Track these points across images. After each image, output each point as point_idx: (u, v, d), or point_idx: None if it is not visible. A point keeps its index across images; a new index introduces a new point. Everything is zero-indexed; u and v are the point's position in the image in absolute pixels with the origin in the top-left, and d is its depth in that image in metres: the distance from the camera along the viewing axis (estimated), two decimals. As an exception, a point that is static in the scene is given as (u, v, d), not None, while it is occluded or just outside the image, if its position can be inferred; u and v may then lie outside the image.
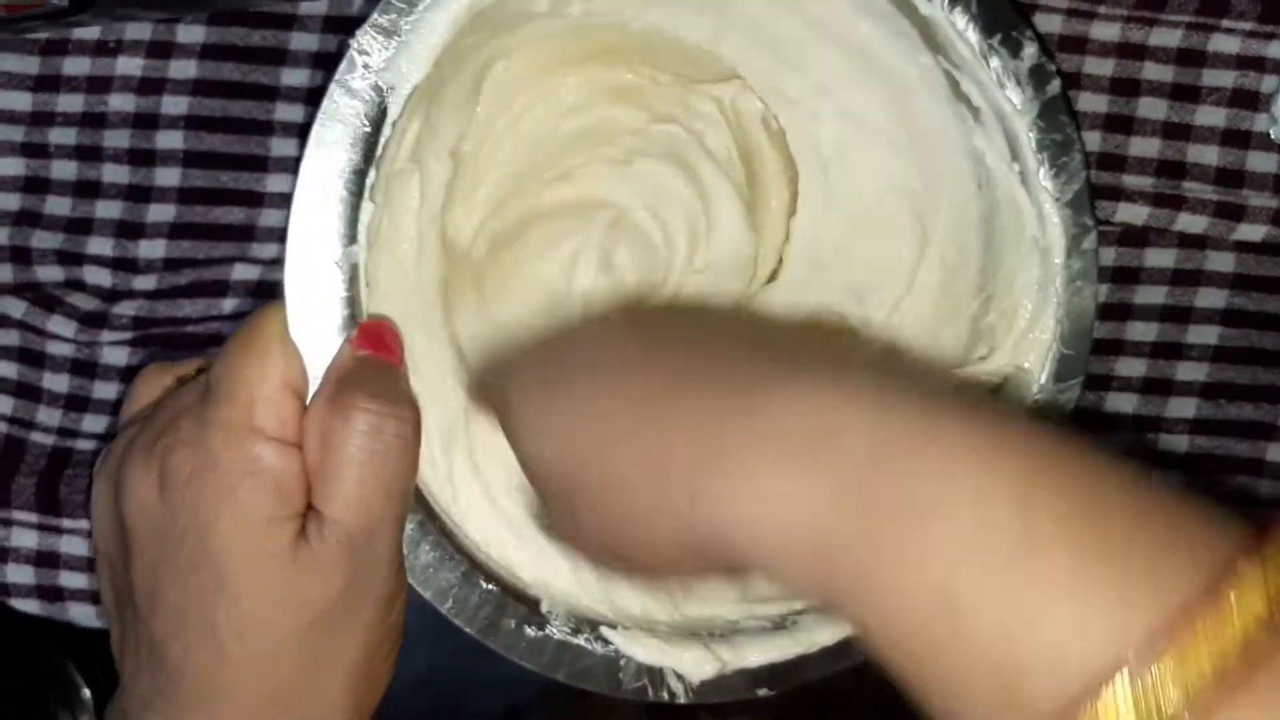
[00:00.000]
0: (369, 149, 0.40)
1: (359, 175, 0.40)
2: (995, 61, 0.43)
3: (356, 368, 0.39)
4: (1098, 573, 0.28)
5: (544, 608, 0.43)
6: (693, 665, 0.43)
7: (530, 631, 0.43)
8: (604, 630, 0.43)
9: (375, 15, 0.39)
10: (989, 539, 0.29)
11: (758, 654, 0.43)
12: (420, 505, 0.41)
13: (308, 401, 0.39)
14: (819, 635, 0.44)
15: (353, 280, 0.40)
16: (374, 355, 0.40)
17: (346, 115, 0.39)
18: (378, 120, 0.40)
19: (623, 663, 0.43)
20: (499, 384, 0.39)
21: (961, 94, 0.44)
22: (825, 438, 0.31)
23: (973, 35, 0.43)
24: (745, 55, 0.46)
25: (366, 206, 0.40)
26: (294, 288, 0.39)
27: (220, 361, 0.39)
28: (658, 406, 0.33)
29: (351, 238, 0.40)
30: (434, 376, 0.43)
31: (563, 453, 0.35)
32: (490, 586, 0.42)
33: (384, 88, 0.40)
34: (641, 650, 0.43)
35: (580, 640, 0.43)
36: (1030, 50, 0.43)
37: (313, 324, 0.39)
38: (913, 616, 0.29)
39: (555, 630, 0.43)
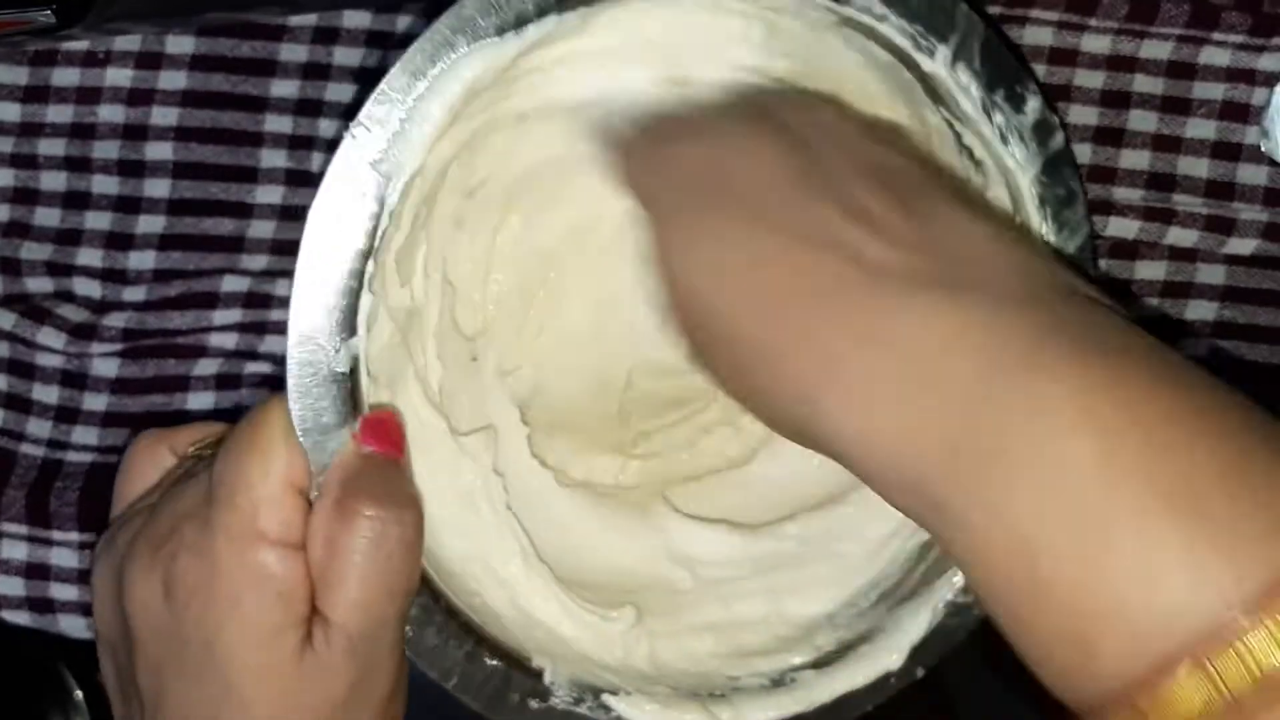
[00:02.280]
0: (368, 240, 0.39)
1: (358, 266, 0.39)
2: (998, 117, 0.42)
3: (360, 467, 0.39)
4: (1185, 542, 0.28)
5: (547, 679, 0.43)
6: None
7: (534, 704, 0.43)
8: (605, 698, 0.43)
9: (370, 105, 0.39)
10: (1069, 486, 0.29)
11: (756, 713, 0.44)
12: (425, 587, 0.41)
13: (312, 496, 0.39)
14: (817, 694, 0.44)
15: (354, 372, 0.40)
16: (378, 452, 0.40)
17: (343, 206, 0.39)
18: (375, 212, 0.39)
19: None
20: (648, 185, 0.39)
21: (964, 146, 0.43)
22: (930, 368, 0.32)
23: (975, 91, 0.42)
24: None
25: (365, 298, 0.39)
26: (295, 381, 0.39)
27: (222, 460, 0.38)
28: (793, 290, 0.34)
29: (351, 329, 0.39)
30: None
31: (707, 298, 0.36)
32: (495, 663, 0.42)
33: (380, 179, 0.39)
34: (642, 715, 0.43)
35: (583, 710, 0.43)
36: (1033, 104, 0.43)
37: (314, 419, 0.39)
38: (998, 566, 0.30)
39: (559, 701, 0.43)
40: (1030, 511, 0.30)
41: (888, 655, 0.44)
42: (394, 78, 0.39)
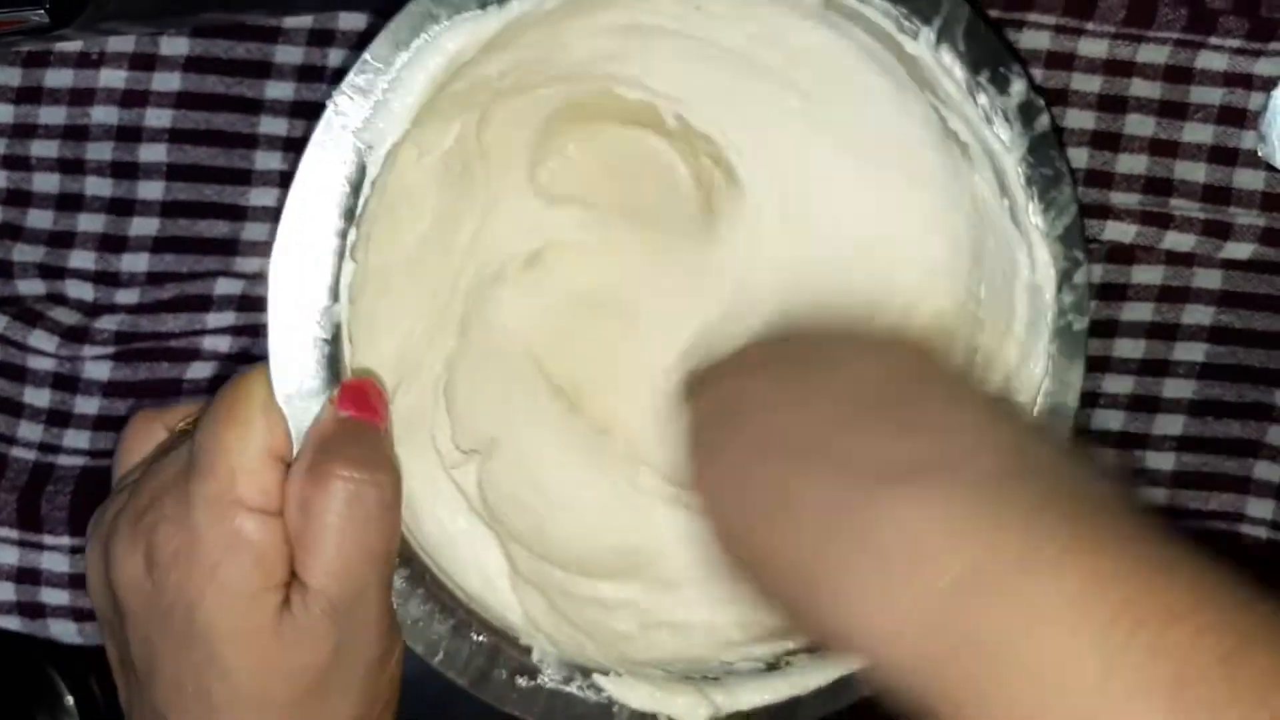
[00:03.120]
0: (349, 208, 0.39)
1: (339, 234, 0.39)
2: (983, 98, 0.42)
3: (337, 430, 0.39)
4: None
5: (535, 656, 0.43)
6: (686, 710, 0.43)
7: (522, 682, 0.42)
8: (596, 678, 0.43)
9: (352, 75, 0.39)
10: (1073, 701, 0.29)
11: (751, 696, 0.43)
12: (409, 559, 0.41)
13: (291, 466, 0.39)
14: (812, 677, 0.43)
15: (335, 339, 0.39)
16: (355, 417, 0.39)
17: (325, 175, 0.39)
18: (357, 180, 0.39)
19: (616, 710, 0.43)
20: (689, 416, 0.41)
21: (949, 130, 0.43)
22: (923, 563, 0.31)
23: (959, 72, 0.42)
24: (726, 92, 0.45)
25: (348, 265, 0.39)
26: (276, 350, 0.39)
27: (202, 430, 0.38)
28: (789, 501, 0.35)
29: (334, 296, 0.39)
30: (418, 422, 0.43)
31: (723, 515, 0.38)
32: (481, 638, 0.42)
33: (362, 147, 0.39)
34: (635, 696, 0.43)
35: (573, 689, 0.42)
36: (1018, 86, 0.43)
37: (295, 385, 0.39)
38: None
39: (547, 680, 0.42)
40: (1030, 711, 0.30)
41: None
42: (377, 47, 0.39)
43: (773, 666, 0.44)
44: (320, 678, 0.38)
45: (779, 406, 0.38)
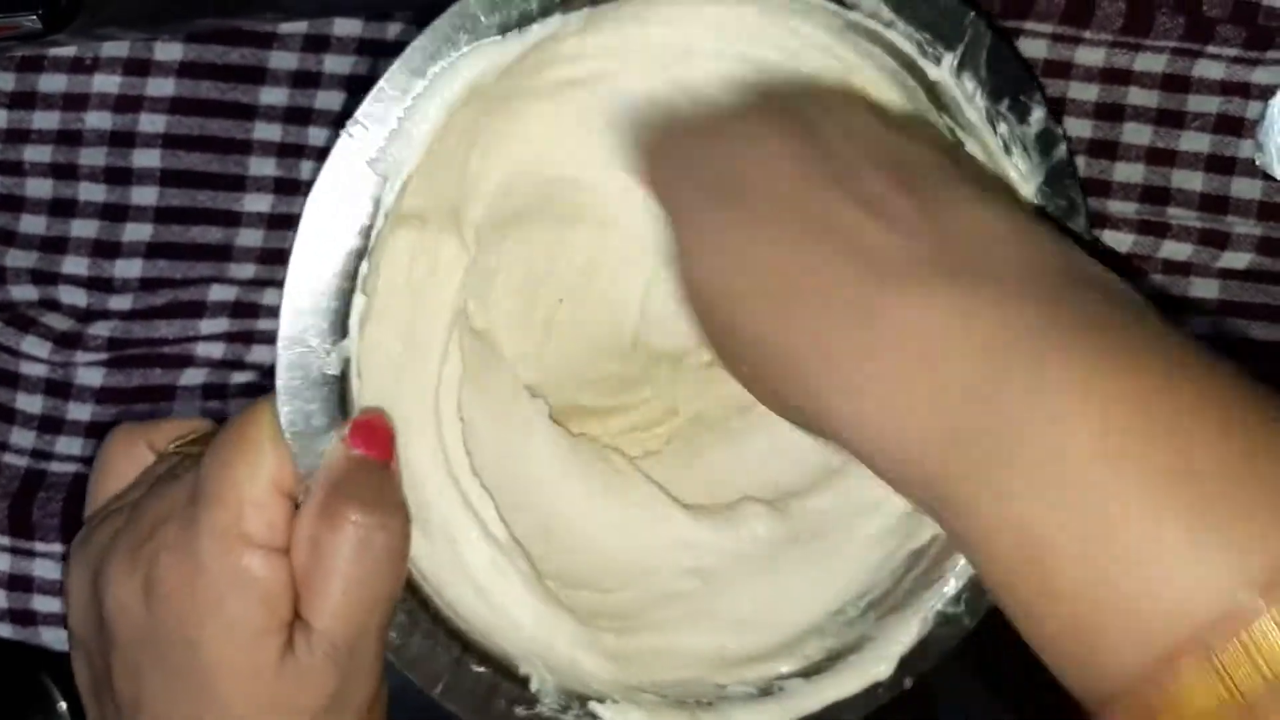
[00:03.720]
0: (362, 240, 0.38)
1: (351, 267, 0.38)
2: (1003, 127, 0.42)
3: (349, 470, 0.38)
4: (1197, 536, 0.28)
5: (534, 686, 0.42)
6: None
7: (521, 711, 0.42)
8: (592, 706, 0.43)
9: (367, 104, 0.38)
10: (1074, 481, 0.29)
11: None
12: (411, 593, 0.41)
13: (300, 499, 0.38)
14: (805, 703, 0.43)
15: (345, 374, 0.39)
16: (367, 456, 0.39)
17: (338, 205, 0.38)
18: (371, 211, 0.38)
19: None
20: (666, 184, 0.39)
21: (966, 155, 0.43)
22: (933, 359, 0.32)
23: (980, 100, 0.42)
24: None
25: (358, 300, 0.39)
26: (284, 382, 0.38)
27: (208, 460, 0.38)
28: (799, 284, 0.34)
29: (343, 331, 0.39)
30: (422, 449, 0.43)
31: (717, 294, 0.37)
32: (481, 669, 0.42)
33: (377, 178, 0.38)
34: None
35: (569, 717, 0.42)
36: (1038, 115, 0.42)
37: (303, 421, 0.38)
38: (1004, 559, 0.30)
39: (545, 709, 0.42)
40: (1035, 505, 0.30)
41: (876, 665, 0.44)
42: (393, 75, 0.38)
43: (765, 692, 0.44)
44: (316, 719, 0.38)
45: (787, 177, 0.36)
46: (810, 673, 0.44)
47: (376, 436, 0.39)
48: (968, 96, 0.42)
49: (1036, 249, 0.34)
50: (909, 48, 0.41)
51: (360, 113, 0.38)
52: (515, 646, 0.43)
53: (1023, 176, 0.42)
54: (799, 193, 0.36)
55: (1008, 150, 0.42)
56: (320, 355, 0.39)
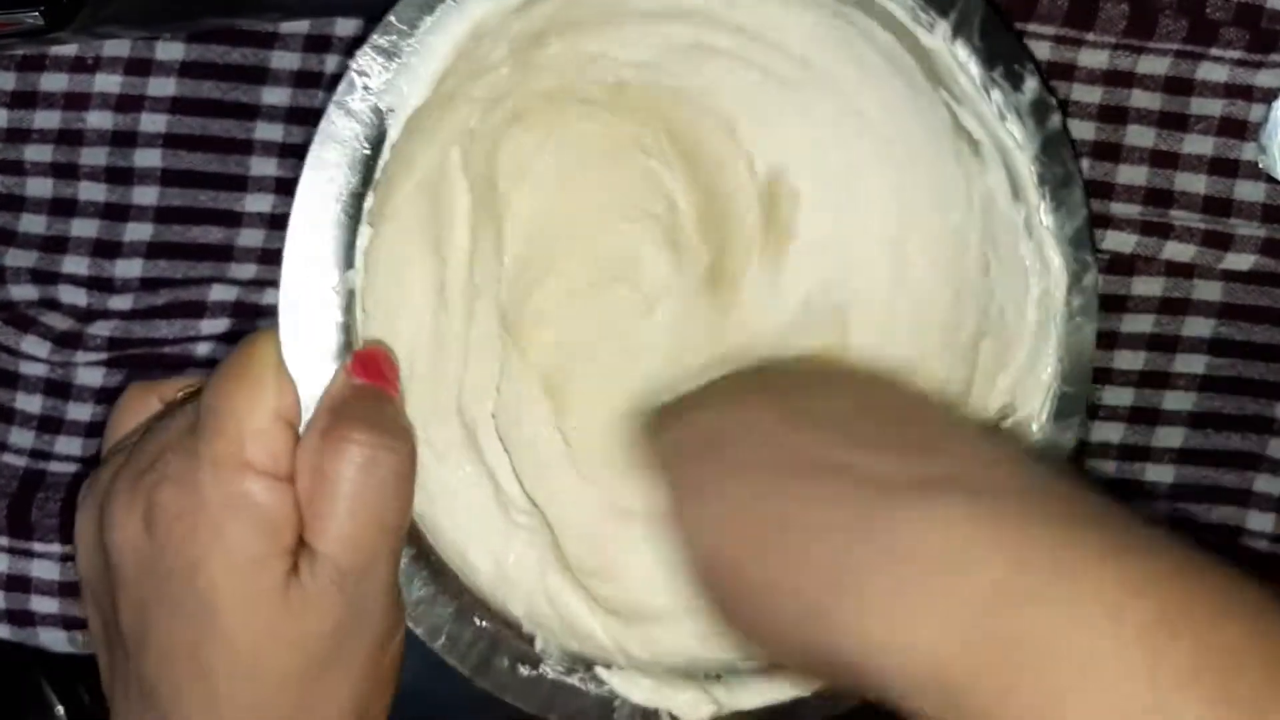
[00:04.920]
0: (367, 172, 0.38)
1: (357, 199, 0.39)
2: (996, 95, 0.42)
3: (351, 397, 0.38)
4: None
5: (538, 645, 0.42)
6: (688, 707, 0.42)
7: (524, 671, 0.42)
8: (599, 670, 0.42)
9: (375, 36, 0.38)
10: (1122, 698, 0.29)
11: (754, 696, 0.43)
12: (414, 540, 0.40)
13: (301, 431, 0.38)
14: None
15: (349, 306, 0.39)
16: (370, 384, 0.39)
17: (344, 137, 0.38)
18: (377, 143, 0.39)
19: (617, 704, 0.42)
20: (660, 454, 0.39)
21: (961, 127, 0.43)
22: (954, 571, 0.31)
23: (974, 68, 0.42)
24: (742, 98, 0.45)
25: (364, 231, 0.39)
26: (288, 314, 0.38)
27: (210, 390, 0.37)
28: (793, 514, 0.34)
29: (349, 262, 0.39)
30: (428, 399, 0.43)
31: (712, 545, 0.36)
32: (484, 624, 0.41)
33: (383, 110, 0.39)
34: (637, 691, 0.42)
35: (574, 680, 0.42)
36: (1031, 84, 0.42)
37: (307, 351, 0.38)
38: None
39: (549, 670, 0.42)
40: (1081, 714, 0.29)
41: None
42: (401, 10, 0.39)
43: (775, 665, 0.43)
44: (323, 649, 0.37)
45: (768, 430, 0.37)
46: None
47: (379, 367, 0.39)
48: (961, 65, 0.42)
49: (1042, 474, 0.34)
50: (902, 15, 0.42)
51: (368, 45, 0.38)
52: (519, 607, 0.42)
53: (1018, 145, 0.43)
54: (785, 438, 0.36)
55: (1002, 117, 0.42)
56: (324, 286, 0.38)
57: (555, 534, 0.44)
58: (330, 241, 0.38)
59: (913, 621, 0.31)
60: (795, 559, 0.34)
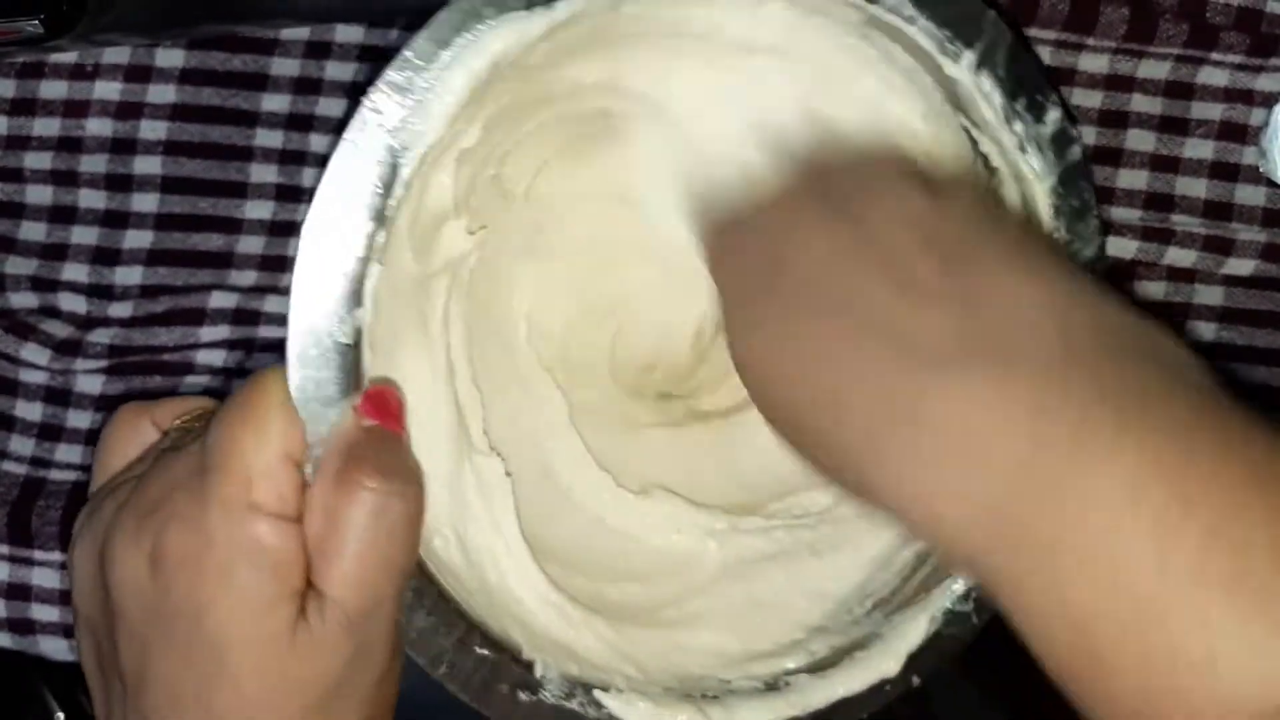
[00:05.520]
0: (379, 211, 0.38)
1: (367, 236, 0.38)
2: (1018, 126, 0.42)
3: (362, 439, 0.38)
4: (1241, 622, 0.28)
5: (538, 672, 0.42)
6: None
7: (524, 697, 0.42)
8: (597, 694, 0.42)
9: (390, 72, 0.38)
10: (1127, 581, 0.29)
11: (750, 715, 0.43)
12: (417, 570, 0.40)
13: (307, 470, 0.38)
14: (812, 697, 0.43)
15: (357, 344, 0.38)
16: (380, 425, 0.39)
17: (357, 175, 0.38)
18: (389, 181, 0.38)
19: None
20: (719, 274, 0.41)
21: (979, 153, 0.43)
22: (978, 452, 0.32)
23: (997, 99, 0.42)
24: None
25: (373, 269, 0.38)
26: (295, 350, 0.38)
27: (217, 429, 0.37)
28: (840, 371, 0.35)
29: (357, 300, 0.38)
30: (435, 424, 0.43)
31: (764, 376, 0.38)
32: (485, 652, 0.41)
33: (397, 148, 0.38)
34: (635, 713, 0.42)
35: (574, 705, 0.42)
36: (1054, 115, 0.42)
37: (313, 390, 0.38)
38: (1057, 640, 0.31)
39: (549, 695, 0.42)
40: (1088, 599, 0.30)
41: (884, 662, 0.43)
42: (418, 45, 0.38)
43: (771, 686, 0.44)
44: (328, 692, 0.37)
45: (822, 261, 0.37)
46: (817, 669, 0.44)
47: (388, 406, 0.39)
48: (984, 94, 0.42)
49: (1074, 318, 0.34)
50: (929, 44, 0.41)
51: (383, 81, 0.38)
52: (519, 632, 0.42)
53: (1037, 176, 0.42)
54: (835, 279, 0.36)
55: (1023, 149, 0.42)
56: (333, 323, 0.38)
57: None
58: (340, 279, 0.38)
59: (938, 496, 0.32)
60: (842, 417, 0.35)
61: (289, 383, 0.38)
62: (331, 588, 0.37)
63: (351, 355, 0.38)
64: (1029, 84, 0.42)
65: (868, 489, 0.34)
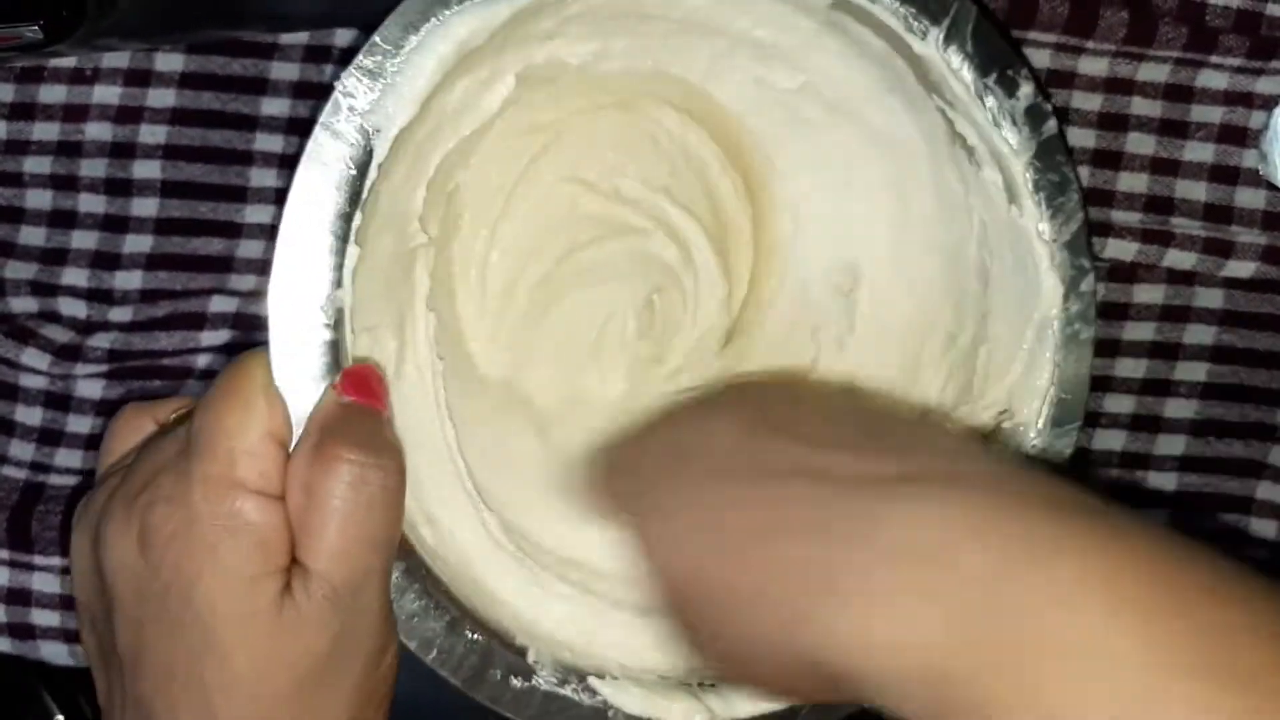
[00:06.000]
0: (354, 192, 0.39)
1: (344, 219, 0.39)
2: (991, 101, 0.42)
3: (340, 415, 0.39)
4: (1233, 708, 0.28)
5: (531, 657, 0.42)
6: (682, 716, 0.42)
7: (516, 683, 0.42)
8: (592, 680, 0.42)
9: (360, 57, 0.39)
10: (1115, 675, 0.29)
11: (748, 705, 0.43)
12: (406, 554, 0.41)
13: (291, 449, 0.38)
14: None
15: (337, 324, 0.39)
16: (358, 402, 0.39)
17: (331, 158, 0.39)
18: (363, 163, 0.39)
19: (611, 714, 0.42)
20: (616, 492, 0.39)
21: (956, 134, 0.43)
22: (939, 565, 0.30)
23: (968, 74, 0.42)
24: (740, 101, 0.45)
25: (351, 250, 0.39)
26: (277, 333, 0.39)
27: (201, 412, 0.38)
28: (769, 518, 0.33)
29: (336, 281, 0.39)
30: (422, 411, 0.43)
31: (683, 568, 0.35)
32: (476, 636, 0.41)
33: (370, 130, 0.39)
34: (630, 701, 0.42)
35: (567, 691, 0.42)
36: (1026, 89, 0.43)
37: (297, 370, 0.39)
38: None
39: (542, 681, 0.42)
40: (1075, 703, 0.29)
41: None
42: (387, 29, 0.39)
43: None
44: (319, 666, 0.38)
45: (737, 440, 0.36)
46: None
47: (368, 384, 0.39)
48: (954, 71, 0.42)
49: (1018, 467, 0.34)
50: (895, 23, 0.42)
51: (354, 66, 0.39)
52: (510, 619, 0.43)
53: (1014, 151, 0.43)
54: (750, 446, 0.35)
55: (997, 124, 0.42)
56: (313, 305, 0.39)
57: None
58: (318, 261, 0.39)
59: (896, 619, 0.31)
60: (774, 564, 0.33)
61: (271, 365, 0.38)
62: (315, 561, 0.37)
63: (332, 336, 0.39)
64: (998, 58, 0.42)
65: (811, 648, 0.32)
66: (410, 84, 0.39)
